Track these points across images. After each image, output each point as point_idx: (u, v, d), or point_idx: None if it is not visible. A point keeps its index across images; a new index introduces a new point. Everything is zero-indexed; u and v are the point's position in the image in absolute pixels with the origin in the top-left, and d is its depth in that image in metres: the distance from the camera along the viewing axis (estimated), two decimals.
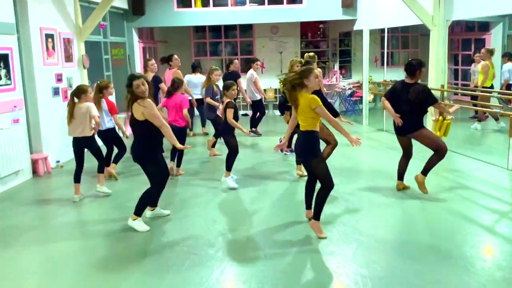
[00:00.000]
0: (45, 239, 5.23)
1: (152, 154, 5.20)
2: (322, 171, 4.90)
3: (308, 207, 5.31)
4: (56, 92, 8.44)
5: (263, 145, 9.61)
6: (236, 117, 6.79)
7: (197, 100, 10.22)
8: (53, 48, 8.41)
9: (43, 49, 8.09)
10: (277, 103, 13.00)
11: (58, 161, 8.33)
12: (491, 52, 10.72)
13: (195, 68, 10.78)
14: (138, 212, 5.30)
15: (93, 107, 6.32)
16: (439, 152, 6.08)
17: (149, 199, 5.38)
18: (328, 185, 4.90)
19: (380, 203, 6.01)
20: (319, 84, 6.42)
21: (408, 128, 6.10)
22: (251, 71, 10.67)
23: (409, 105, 6.02)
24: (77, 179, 6.37)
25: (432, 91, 8.69)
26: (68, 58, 8.92)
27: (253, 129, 10.60)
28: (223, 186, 6.77)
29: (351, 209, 5.83)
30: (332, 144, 6.72)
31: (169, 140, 5.26)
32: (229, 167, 6.81)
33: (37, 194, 6.96)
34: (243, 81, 10.52)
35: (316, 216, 4.98)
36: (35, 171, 7.73)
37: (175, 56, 10.61)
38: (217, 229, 5.29)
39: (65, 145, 8.59)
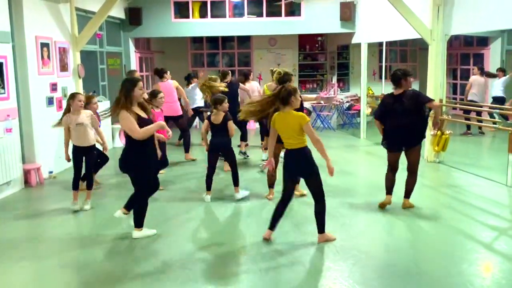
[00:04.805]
0: (36, 252, 5.09)
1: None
2: (321, 186, 5.01)
3: (272, 227, 5.16)
4: (50, 101, 8.34)
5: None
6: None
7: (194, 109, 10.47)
8: (49, 57, 8.33)
9: (38, 58, 8.01)
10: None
11: (51, 172, 8.19)
12: None
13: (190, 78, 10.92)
14: (138, 224, 5.29)
15: None
16: (414, 175, 6.09)
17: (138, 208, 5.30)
18: (324, 199, 5.04)
19: (378, 219, 5.91)
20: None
21: (413, 141, 5.97)
22: None
23: (407, 116, 5.84)
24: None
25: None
26: (64, 67, 8.84)
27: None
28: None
29: (349, 224, 5.73)
30: None
31: None
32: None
33: (29, 205, 6.82)
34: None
35: (323, 229, 5.09)
36: (27, 182, 7.61)
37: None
38: (211, 244, 5.19)
39: (58, 156, 8.49)
